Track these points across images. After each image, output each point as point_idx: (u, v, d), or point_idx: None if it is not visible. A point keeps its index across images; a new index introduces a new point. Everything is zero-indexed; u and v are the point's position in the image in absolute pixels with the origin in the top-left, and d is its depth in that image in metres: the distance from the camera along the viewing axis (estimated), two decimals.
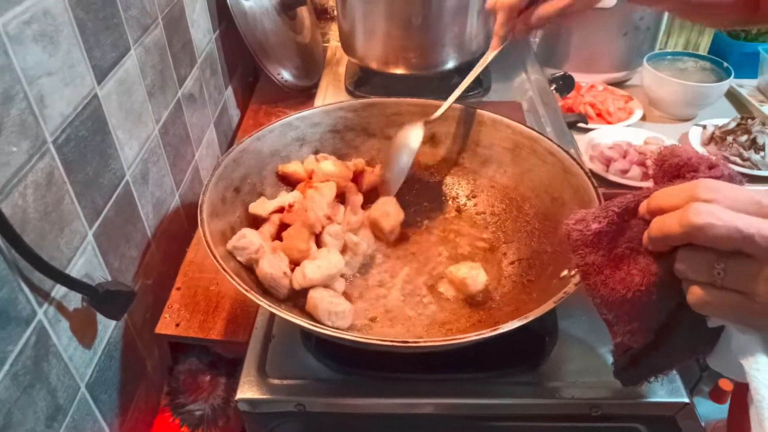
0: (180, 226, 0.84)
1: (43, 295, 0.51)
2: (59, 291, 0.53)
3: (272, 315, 0.70)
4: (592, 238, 0.44)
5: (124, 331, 0.66)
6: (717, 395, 1.39)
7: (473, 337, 0.50)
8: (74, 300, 0.56)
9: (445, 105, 0.78)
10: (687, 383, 1.41)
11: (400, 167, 0.76)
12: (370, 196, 0.78)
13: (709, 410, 1.40)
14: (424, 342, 0.51)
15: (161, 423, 0.71)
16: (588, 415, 0.62)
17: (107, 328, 0.63)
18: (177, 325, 0.71)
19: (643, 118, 1.35)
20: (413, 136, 0.77)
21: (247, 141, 0.74)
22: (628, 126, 1.30)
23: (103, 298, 0.54)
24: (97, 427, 0.61)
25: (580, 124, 1.21)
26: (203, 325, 0.71)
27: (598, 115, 1.32)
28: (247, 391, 0.63)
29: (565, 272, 0.59)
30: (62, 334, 0.54)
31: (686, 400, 0.61)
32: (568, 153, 0.70)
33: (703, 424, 0.64)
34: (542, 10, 0.69)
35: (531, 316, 0.50)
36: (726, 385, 1.38)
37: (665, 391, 0.61)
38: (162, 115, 0.78)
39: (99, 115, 0.62)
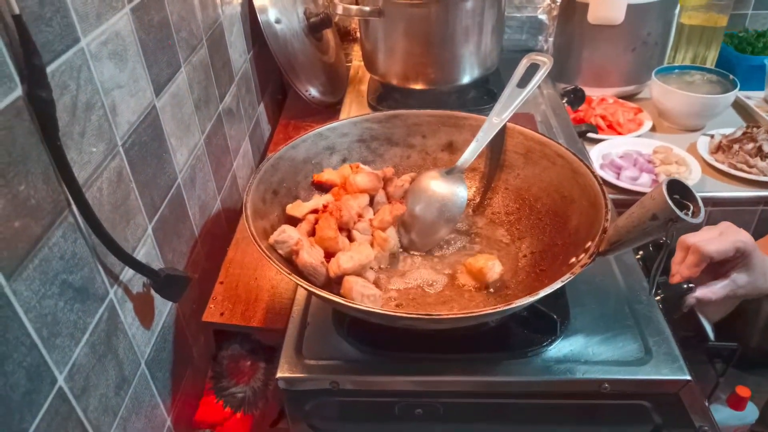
0: (221, 228, 0.91)
1: (114, 277, 0.59)
2: (126, 275, 0.61)
3: (307, 304, 0.77)
4: None
5: (175, 319, 0.74)
6: (734, 402, 1.42)
7: (488, 311, 0.56)
8: (137, 285, 0.63)
9: (467, 155, 0.83)
10: (704, 390, 1.45)
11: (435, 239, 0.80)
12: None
13: (727, 417, 1.42)
14: (446, 315, 0.57)
15: (206, 404, 0.78)
16: (597, 392, 0.67)
17: (162, 313, 0.70)
18: (221, 314, 0.78)
19: (653, 129, 1.41)
20: (431, 181, 0.81)
21: (284, 149, 0.82)
22: (639, 136, 1.36)
23: (164, 282, 0.62)
24: (153, 402, 0.68)
25: (591, 134, 1.27)
26: (245, 315, 0.79)
27: (609, 126, 1.38)
28: (286, 370, 0.70)
29: (573, 259, 0.66)
30: (127, 314, 0.62)
31: (688, 377, 0.66)
32: (575, 155, 0.76)
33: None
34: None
35: (541, 293, 0.57)
36: (743, 391, 1.41)
37: (668, 369, 0.66)
38: (206, 126, 0.87)
39: (157, 124, 0.70)
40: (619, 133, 1.35)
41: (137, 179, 0.64)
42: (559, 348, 0.69)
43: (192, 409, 0.78)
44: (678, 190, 0.56)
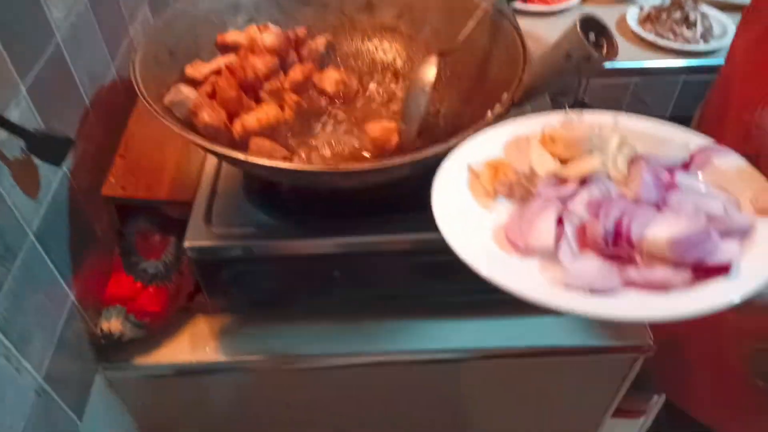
0: (119, 99, 0.83)
1: None
2: None
3: (216, 174, 0.73)
4: None
5: (69, 191, 0.68)
6: None
7: (397, 162, 0.54)
8: (14, 148, 0.57)
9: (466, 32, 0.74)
10: None
11: (417, 111, 0.73)
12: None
13: None
14: (354, 167, 0.54)
15: (116, 281, 0.74)
16: None
17: (51, 182, 0.64)
18: (123, 188, 0.73)
19: (584, 1, 1.37)
20: (428, 73, 0.74)
21: (180, 4, 0.74)
22: (567, 9, 1.32)
23: (41, 143, 0.56)
24: (51, 277, 0.64)
25: (519, 4, 1.22)
26: (150, 188, 0.74)
27: None
28: (196, 239, 0.67)
29: (489, 113, 0.63)
30: (4, 180, 0.56)
31: None
32: (499, 10, 0.72)
33: None
34: None
35: (451, 142, 0.54)
36: None
37: None
38: None
39: None
40: (547, 3, 1.31)
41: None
42: None
43: (100, 285, 0.74)
44: (593, 27, 0.54)
